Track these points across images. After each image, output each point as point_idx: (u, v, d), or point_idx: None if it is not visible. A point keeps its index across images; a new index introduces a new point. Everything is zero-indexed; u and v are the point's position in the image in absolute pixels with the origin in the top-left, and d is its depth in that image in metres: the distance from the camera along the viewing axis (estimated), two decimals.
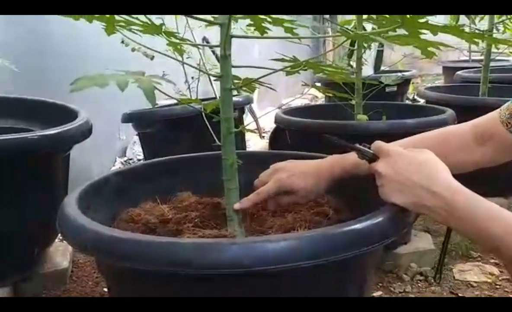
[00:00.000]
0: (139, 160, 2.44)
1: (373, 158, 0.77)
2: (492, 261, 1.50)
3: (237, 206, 0.80)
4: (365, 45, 1.58)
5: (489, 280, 1.41)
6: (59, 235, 1.41)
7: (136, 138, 2.43)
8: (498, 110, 0.87)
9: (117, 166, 2.44)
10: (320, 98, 4.20)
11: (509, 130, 0.84)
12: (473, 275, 1.43)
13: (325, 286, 0.71)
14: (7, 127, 1.41)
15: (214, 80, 2.56)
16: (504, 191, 1.92)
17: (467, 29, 2.23)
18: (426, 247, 1.50)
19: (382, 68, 3.01)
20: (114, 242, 0.66)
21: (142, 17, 0.79)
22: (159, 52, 0.96)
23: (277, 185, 0.85)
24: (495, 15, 2.00)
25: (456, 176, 0.73)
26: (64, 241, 1.49)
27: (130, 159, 2.50)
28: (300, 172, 0.86)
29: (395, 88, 2.37)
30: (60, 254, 1.46)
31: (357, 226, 0.67)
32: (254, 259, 0.61)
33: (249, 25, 0.80)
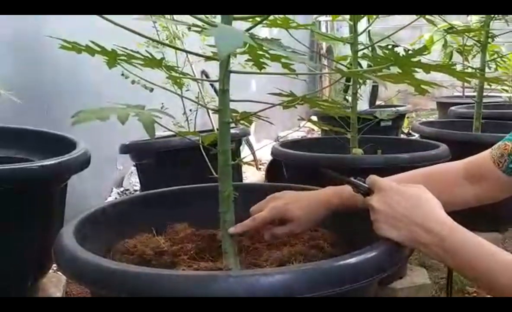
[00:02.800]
0: (135, 191, 2.44)
1: (367, 192, 0.78)
2: (489, 296, 1.48)
3: (231, 230, 0.80)
4: (361, 80, 1.61)
5: None
6: (53, 266, 1.40)
7: (133, 168, 2.44)
8: (490, 149, 0.88)
9: (114, 196, 2.43)
10: (316, 131, 4.24)
11: (500, 169, 0.85)
12: None
13: None
14: (7, 157, 1.42)
15: (213, 113, 2.59)
16: (499, 226, 1.92)
17: (459, 67, 2.29)
18: (422, 282, 1.49)
19: (377, 103, 3.06)
20: (110, 274, 0.66)
21: (142, 51, 0.81)
22: (158, 86, 0.98)
23: (274, 212, 0.85)
24: (487, 53, 2.05)
25: (451, 211, 0.73)
26: (58, 272, 1.48)
27: (127, 189, 2.50)
28: (297, 201, 0.87)
29: (390, 123, 2.40)
30: (53, 285, 1.44)
31: (352, 260, 0.67)
32: (249, 292, 0.61)
33: (248, 60, 0.83)
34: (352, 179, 0.81)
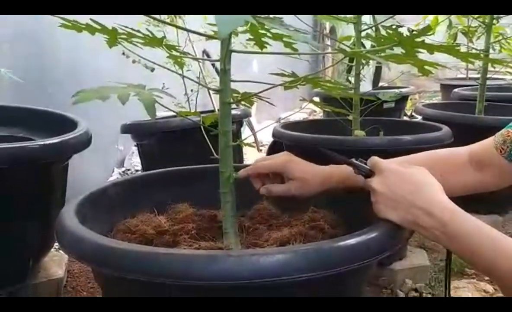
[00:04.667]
0: (137, 171, 2.44)
1: (369, 174, 0.78)
2: (487, 278, 1.50)
3: (242, 172, 0.84)
4: (364, 61, 1.59)
5: None
6: (55, 244, 1.41)
7: (135, 149, 2.44)
8: (493, 136, 0.88)
9: (115, 176, 2.44)
10: (318, 112, 4.23)
11: (502, 156, 0.84)
12: (468, 292, 1.44)
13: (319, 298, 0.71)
14: (8, 135, 1.42)
15: (213, 93, 2.58)
16: (499, 209, 1.93)
17: (464, 48, 2.26)
18: (422, 263, 1.50)
19: (381, 84, 3.04)
20: (113, 253, 0.66)
21: (143, 30, 0.80)
22: (159, 65, 0.97)
23: (279, 163, 0.88)
24: (492, 35, 2.03)
25: (454, 196, 0.73)
26: (60, 251, 1.49)
27: (128, 170, 2.50)
28: (303, 165, 0.89)
29: (392, 105, 2.38)
30: (56, 263, 1.46)
31: (352, 241, 0.67)
32: (250, 271, 0.62)
33: (249, 39, 0.82)
34: (353, 160, 0.81)
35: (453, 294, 1.43)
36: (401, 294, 1.41)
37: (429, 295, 1.41)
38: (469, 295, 1.42)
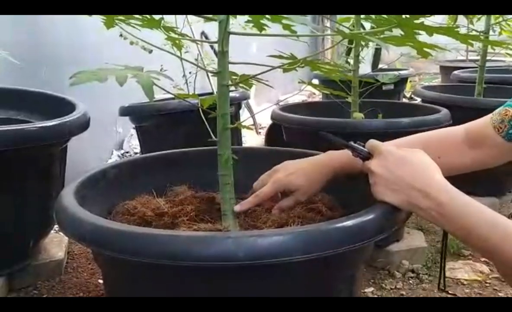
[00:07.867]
0: (135, 153, 2.44)
1: (367, 156, 0.79)
2: (483, 259, 1.52)
3: (237, 208, 0.82)
4: (363, 43, 1.58)
5: (479, 278, 1.43)
6: (55, 226, 1.42)
7: (133, 131, 2.44)
8: (490, 114, 0.88)
9: (114, 158, 2.44)
10: (317, 94, 4.22)
11: (500, 135, 0.85)
12: (464, 273, 1.45)
13: (316, 280, 0.72)
14: (6, 118, 1.42)
15: (212, 75, 2.56)
16: (496, 191, 1.94)
17: (464, 30, 2.25)
18: (418, 245, 1.51)
19: (380, 66, 3.02)
20: (112, 234, 0.67)
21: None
22: (157, 47, 0.97)
23: (275, 186, 0.86)
24: (492, 16, 2.01)
25: (450, 175, 0.74)
26: (60, 232, 1.50)
27: (127, 152, 2.51)
28: (298, 170, 0.87)
29: (392, 87, 2.38)
30: (56, 245, 1.47)
31: (349, 222, 0.68)
32: (248, 252, 0.62)
33: (248, 21, 0.81)
34: (351, 143, 0.81)
35: (449, 274, 1.45)
36: (398, 275, 1.43)
37: (426, 276, 1.42)
38: (466, 276, 1.44)
